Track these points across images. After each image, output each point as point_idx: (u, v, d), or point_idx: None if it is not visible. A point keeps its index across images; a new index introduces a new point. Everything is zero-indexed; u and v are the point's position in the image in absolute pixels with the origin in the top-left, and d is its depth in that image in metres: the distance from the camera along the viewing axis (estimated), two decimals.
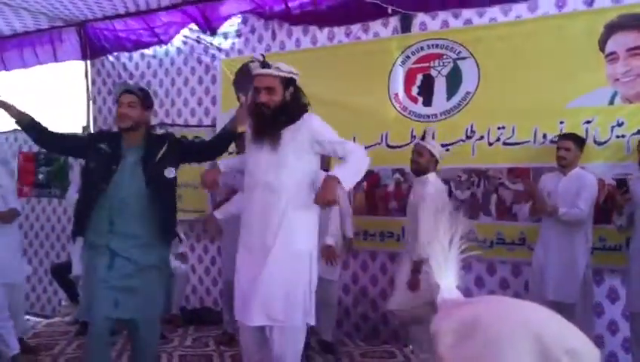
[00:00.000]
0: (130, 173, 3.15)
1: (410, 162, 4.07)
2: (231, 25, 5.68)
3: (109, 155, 3.16)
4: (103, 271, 3.07)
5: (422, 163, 3.98)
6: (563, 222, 3.79)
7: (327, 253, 3.98)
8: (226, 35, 5.76)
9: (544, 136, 4.26)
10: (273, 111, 2.83)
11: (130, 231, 3.12)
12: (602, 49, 4.07)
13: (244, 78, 5.51)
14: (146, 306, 3.18)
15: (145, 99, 3.26)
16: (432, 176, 3.97)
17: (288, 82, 2.89)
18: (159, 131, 3.74)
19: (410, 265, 3.80)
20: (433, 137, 4.08)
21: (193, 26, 5.80)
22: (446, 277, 1.10)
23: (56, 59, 6.62)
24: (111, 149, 3.18)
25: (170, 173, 3.23)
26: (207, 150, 3.56)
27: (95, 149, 3.18)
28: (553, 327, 0.89)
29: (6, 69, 6.85)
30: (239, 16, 5.58)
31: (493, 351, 0.81)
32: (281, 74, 2.86)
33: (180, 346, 4.83)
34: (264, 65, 2.84)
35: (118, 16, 6.13)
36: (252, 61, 2.94)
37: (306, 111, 2.95)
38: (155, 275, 3.24)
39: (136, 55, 6.33)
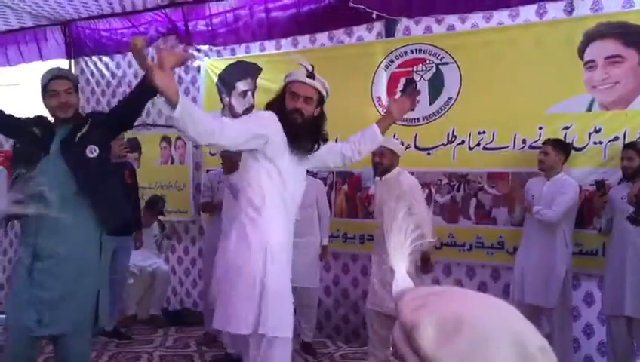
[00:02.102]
0: (54, 159, 2.84)
1: (372, 165, 4.09)
2: (210, 26, 5.67)
3: (39, 140, 2.88)
4: (23, 277, 2.71)
5: (385, 163, 4.03)
6: (541, 225, 3.85)
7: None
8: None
9: (523, 141, 4.31)
10: (304, 121, 2.72)
11: (56, 226, 2.70)
12: (581, 57, 4.12)
13: (228, 79, 5.52)
14: (78, 316, 2.74)
15: (77, 82, 3.04)
16: (402, 172, 4.03)
17: (321, 101, 2.84)
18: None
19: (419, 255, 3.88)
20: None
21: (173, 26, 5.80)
22: (401, 266, 1.08)
23: (41, 58, 6.57)
24: (42, 134, 2.89)
25: (91, 151, 2.86)
26: (130, 105, 3.06)
27: (27, 132, 2.90)
28: (524, 324, 0.90)
29: None
30: (220, 17, 5.58)
31: (482, 348, 0.80)
32: (322, 91, 2.82)
33: (161, 347, 4.82)
34: (310, 75, 2.80)
35: (103, 16, 6.11)
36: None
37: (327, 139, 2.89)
38: (89, 278, 2.83)
39: (117, 55, 6.31)
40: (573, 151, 4.12)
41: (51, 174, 2.78)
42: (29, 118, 2.98)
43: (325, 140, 2.84)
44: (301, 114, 2.70)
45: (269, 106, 2.81)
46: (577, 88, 4.13)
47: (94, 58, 6.45)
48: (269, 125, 2.64)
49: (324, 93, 2.82)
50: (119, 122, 3.09)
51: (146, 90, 2.87)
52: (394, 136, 4.72)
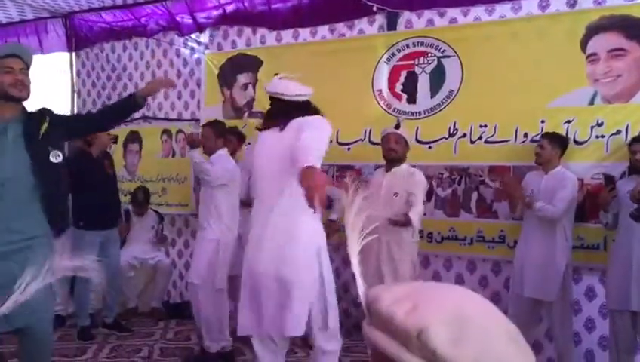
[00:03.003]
0: (11, 151, 2.66)
1: (386, 151, 4.07)
2: (210, 18, 5.65)
3: None
4: None
5: (400, 151, 4.03)
6: (542, 219, 3.83)
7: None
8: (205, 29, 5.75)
9: (525, 135, 4.28)
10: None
11: (11, 224, 2.62)
12: (583, 50, 4.10)
13: (229, 71, 5.50)
14: (38, 309, 2.61)
15: (30, 65, 2.83)
16: (415, 170, 4.03)
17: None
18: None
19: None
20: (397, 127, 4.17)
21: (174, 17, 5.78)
22: (358, 267, 1.03)
23: (42, 51, 6.55)
24: None
25: (56, 157, 2.76)
26: (103, 119, 3.11)
27: None
28: (500, 312, 0.89)
29: None
30: (220, 9, 5.56)
31: (489, 343, 0.79)
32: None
33: (162, 339, 4.82)
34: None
35: (104, 8, 6.09)
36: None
37: None
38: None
39: (118, 47, 6.31)
40: (575, 145, 4.10)
41: (7, 168, 2.63)
42: None
43: None
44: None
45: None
46: (579, 81, 4.11)
47: (95, 50, 6.44)
48: None
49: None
50: (85, 130, 3.11)
51: (130, 109, 3.04)
52: (396, 125, 4.71)
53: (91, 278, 4.45)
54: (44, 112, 2.86)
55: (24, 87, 2.71)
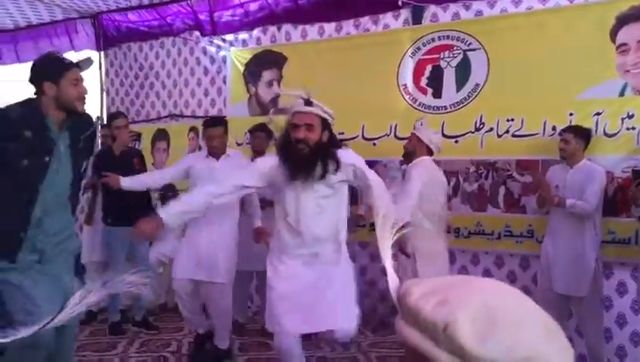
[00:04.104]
0: (63, 165, 2.68)
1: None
2: (236, 15, 5.67)
3: (38, 145, 2.58)
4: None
5: (408, 147, 4.05)
6: (571, 214, 3.77)
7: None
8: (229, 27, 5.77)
9: (553, 128, 4.22)
10: (310, 149, 2.86)
11: (55, 228, 2.67)
12: (613, 40, 4.02)
13: (254, 68, 5.53)
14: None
15: None
16: (420, 161, 3.98)
17: (326, 124, 2.94)
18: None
19: None
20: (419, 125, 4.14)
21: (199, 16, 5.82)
22: (389, 263, 1.03)
23: (73, 48, 6.64)
24: (38, 135, 2.58)
25: (84, 166, 2.83)
26: None
27: (18, 136, 2.53)
28: (533, 302, 0.88)
29: (19, 60, 6.91)
30: (245, 6, 5.57)
31: (521, 335, 0.78)
32: (323, 115, 2.91)
33: (190, 334, 4.86)
34: (307, 102, 2.88)
35: (131, 8, 6.17)
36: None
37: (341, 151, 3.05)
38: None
39: (145, 46, 6.39)
40: (605, 138, 4.04)
41: (58, 183, 2.65)
42: (9, 118, 2.53)
43: (337, 163, 2.93)
44: (306, 143, 2.84)
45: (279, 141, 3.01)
46: (609, 73, 4.03)
47: (123, 49, 6.53)
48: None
49: (327, 117, 2.93)
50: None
51: None
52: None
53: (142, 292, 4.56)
54: (89, 121, 2.86)
55: (85, 101, 2.74)
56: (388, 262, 1.01)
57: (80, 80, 2.69)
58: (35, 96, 2.65)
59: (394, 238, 1.04)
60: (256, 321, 5.10)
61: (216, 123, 4.25)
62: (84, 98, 2.71)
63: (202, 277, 4.06)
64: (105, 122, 6.32)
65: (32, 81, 2.65)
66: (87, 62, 2.77)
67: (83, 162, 2.81)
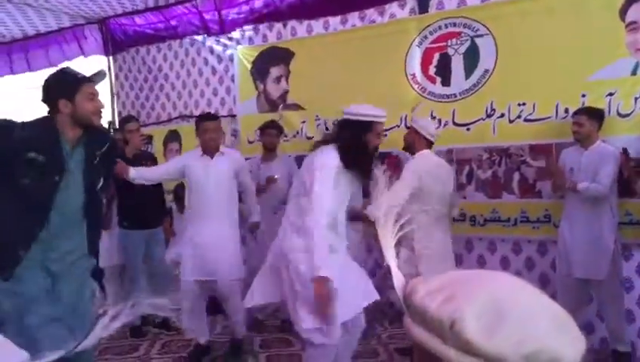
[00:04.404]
0: (73, 181, 2.60)
1: None
2: (241, 13, 5.66)
3: (47, 165, 2.49)
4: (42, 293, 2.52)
5: (407, 139, 4.04)
6: (585, 197, 3.73)
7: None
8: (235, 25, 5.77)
9: (566, 110, 4.16)
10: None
11: (62, 245, 2.60)
12: (622, 19, 3.95)
13: (262, 65, 5.52)
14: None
15: None
16: (418, 155, 3.94)
17: None
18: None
19: None
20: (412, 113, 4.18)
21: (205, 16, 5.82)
22: (393, 261, 1.02)
23: (83, 54, 6.68)
24: (48, 157, 2.49)
25: (99, 183, 2.72)
26: None
27: (25, 161, 2.44)
28: (543, 294, 0.86)
29: (30, 69, 6.96)
30: (250, 4, 5.56)
31: (530, 329, 0.77)
32: None
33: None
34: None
35: (136, 11, 6.19)
36: None
37: None
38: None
39: (153, 48, 6.41)
40: (618, 118, 3.98)
41: (70, 202, 2.58)
42: (13, 142, 2.42)
43: None
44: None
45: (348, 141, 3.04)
46: (620, 52, 3.97)
47: (131, 53, 6.56)
48: None
49: None
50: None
51: None
52: (430, 113, 4.65)
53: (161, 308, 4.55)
54: (105, 137, 2.80)
55: (101, 115, 2.68)
56: (392, 261, 1.00)
57: (95, 94, 2.63)
58: (49, 114, 2.60)
59: (396, 236, 1.03)
60: (276, 317, 5.11)
61: (211, 117, 4.26)
62: (101, 112, 2.66)
63: (208, 276, 4.07)
64: (117, 126, 6.40)
65: (45, 100, 2.59)
66: (101, 75, 2.72)
67: (99, 179, 2.71)
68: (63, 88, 2.56)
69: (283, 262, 3.07)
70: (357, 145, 3.02)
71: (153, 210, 4.82)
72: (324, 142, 3.17)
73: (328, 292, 2.80)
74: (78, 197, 2.62)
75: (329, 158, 2.99)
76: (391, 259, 1.02)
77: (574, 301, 3.89)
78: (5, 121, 2.52)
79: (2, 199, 2.49)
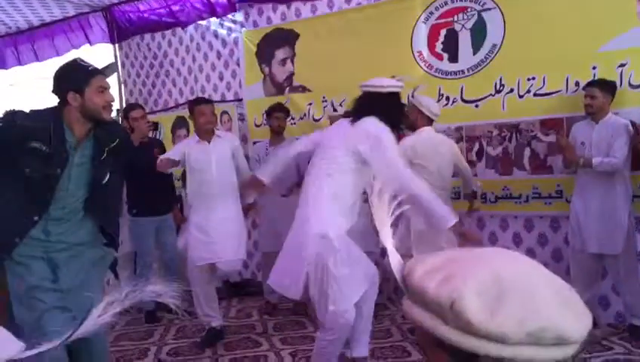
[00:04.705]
0: (75, 175, 2.56)
1: None
2: None
3: (49, 156, 2.45)
4: (46, 282, 2.51)
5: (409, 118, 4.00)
6: (599, 171, 3.67)
7: None
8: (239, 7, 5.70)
9: (577, 83, 4.08)
10: None
11: (64, 237, 2.58)
12: None
13: (267, 48, 5.47)
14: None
15: None
16: (418, 132, 3.97)
17: None
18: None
19: None
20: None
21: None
22: (389, 241, 1.00)
23: (89, 43, 6.65)
24: (51, 148, 2.45)
25: (106, 178, 2.65)
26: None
27: (27, 150, 2.42)
28: (545, 269, 0.84)
29: (38, 59, 6.96)
30: None
31: (533, 305, 0.75)
32: None
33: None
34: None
35: None
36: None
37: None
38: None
39: (158, 35, 6.37)
40: (630, 89, 3.90)
41: (69, 195, 2.54)
42: (17, 130, 2.39)
43: None
44: None
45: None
46: (631, 21, 3.87)
47: (137, 40, 6.53)
48: None
49: None
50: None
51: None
52: (438, 91, 4.59)
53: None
54: (117, 132, 2.74)
55: (111, 109, 2.62)
56: (388, 241, 0.98)
57: (106, 87, 2.56)
58: (59, 105, 2.55)
59: (393, 216, 1.01)
60: (289, 300, 5.13)
61: (205, 100, 4.29)
62: (111, 106, 2.59)
63: (217, 258, 4.07)
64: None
65: (55, 92, 2.53)
66: (111, 67, 2.69)
67: (105, 174, 2.63)
68: (72, 80, 2.50)
69: (317, 245, 2.98)
70: (399, 115, 3.21)
71: (162, 197, 4.83)
72: (354, 114, 3.18)
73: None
74: (78, 191, 2.58)
75: (385, 127, 3.03)
76: (387, 239, 1.00)
77: (588, 276, 3.86)
78: (10, 110, 2.50)
79: (3, 186, 2.48)
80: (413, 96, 3.93)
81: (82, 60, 2.56)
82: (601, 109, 3.75)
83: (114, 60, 6.66)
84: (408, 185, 2.83)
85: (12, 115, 2.44)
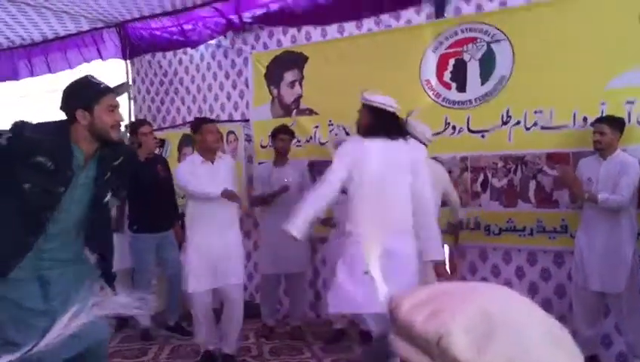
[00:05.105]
0: (78, 196, 2.48)
1: None
2: (255, 18, 5.62)
3: (54, 173, 2.35)
4: (38, 304, 2.39)
5: None
6: (604, 208, 3.63)
7: None
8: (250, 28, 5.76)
9: (584, 119, 4.06)
10: None
11: (56, 254, 2.48)
12: None
13: (276, 69, 5.50)
14: (90, 336, 2.41)
15: None
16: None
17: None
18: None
19: None
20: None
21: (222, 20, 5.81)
22: (377, 268, 0.97)
23: (101, 58, 6.72)
24: (56, 165, 2.35)
25: (107, 197, 2.60)
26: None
27: (31, 164, 2.32)
28: (536, 306, 0.81)
29: (50, 71, 7.03)
30: (264, 7, 5.53)
31: (521, 344, 0.72)
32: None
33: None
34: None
35: (155, 15, 6.21)
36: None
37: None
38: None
39: (169, 52, 6.44)
40: (639, 126, 3.88)
41: (70, 214, 2.46)
42: (24, 142, 2.30)
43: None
44: None
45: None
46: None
47: (148, 57, 6.59)
48: None
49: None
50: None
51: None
52: (445, 120, 4.58)
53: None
54: (121, 150, 2.66)
55: (120, 128, 2.55)
56: (376, 272, 0.95)
57: (116, 106, 2.49)
58: (66, 122, 2.47)
59: (380, 246, 0.98)
60: (286, 324, 5.07)
61: (211, 120, 4.33)
62: (120, 125, 2.52)
63: (220, 283, 4.05)
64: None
65: (63, 108, 2.45)
66: (124, 87, 2.60)
67: (107, 193, 2.58)
68: (82, 98, 2.42)
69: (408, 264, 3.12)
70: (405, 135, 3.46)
71: (164, 214, 4.82)
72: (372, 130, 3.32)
73: None
74: (78, 212, 2.50)
75: None
76: (375, 269, 0.97)
77: (591, 314, 3.80)
78: (18, 121, 2.40)
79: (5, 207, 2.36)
80: (407, 121, 3.90)
81: (93, 77, 2.49)
82: (610, 146, 3.72)
83: (126, 77, 6.72)
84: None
85: (20, 126, 2.35)
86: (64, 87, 2.50)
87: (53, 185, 2.37)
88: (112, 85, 2.55)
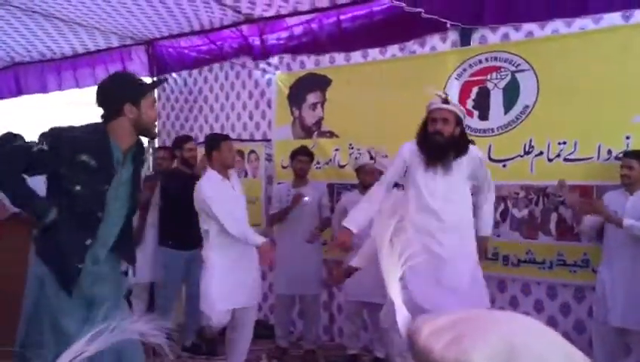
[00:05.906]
0: (122, 194, 2.51)
1: None
2: (282, 40, 5.68)
3: (97, 172, 2.37)
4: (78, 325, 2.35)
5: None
6: (628, 239, 3.54)
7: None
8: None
9: (609, 151, 4.01)
10: (446, 140, 3.32)
11: (99, 256, 2.48)
12: None
13: (299, 91, 5.53)
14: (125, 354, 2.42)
15: None
16: None
17: (459, 121, 3.40)
18: None
19: None
20: None
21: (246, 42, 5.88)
22: (397, 295, 0.95)
23: None
24: (100, 162, 2.38)
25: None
26: None
27: (76, 164, 2.34)
28: (562, 338, 0.79)
29: (78, 86, 7.16)
30: (289, 31, 5.58)
31: None
32: (458, 112, 3.40)
33: None
34: (445, 101, 3.39)
35: (183, 34, 6.31)
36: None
37: (469, 145, 3.46)
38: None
39: (195, 71, 6.53)
40: None
41: (115, 212, 2.48)
42: (66, 142, 2.32)
43: (465, 151, 3.38)
44: (441, 134, 3.31)
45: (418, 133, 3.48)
46: None
47: (174, 75, 6.68)
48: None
49: (460, 114, 3.41)
50: None
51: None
52: None
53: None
54: (143, 148, 2.68)
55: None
56: (396, 296, 0.94)
57: (156, 102, 2.60)
58: (101, 121, 2.49)
59: (402, 270, 0.97)
60: (299, 347, 5.03)
61: (228, 136, 4.30)
62: (155, 121, 2.62)
63: (243, 304, 3.97)
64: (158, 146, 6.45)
65: (109, 103, 2.46)
66: (162, 82, 2.72)
67: (140, 190, 2.66)
68: (129, 92, 2.46)
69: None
70: None
71: (196, 231, 4.79)
72: None
73: None
74: (122, 209, 2.52)
75: None
76: (395, 293, 0.95)
77: (611, 351, 3.71)
78: (55, 126, 2.42)
79: (59, 208, 2.35)
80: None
81: (132, 73, 2.65)
82: (638, 180, 3.67)
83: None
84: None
85: (57, 129, 2.39)
86: (102, 84, 2.54)
87: (99, 184, 2.39)
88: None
